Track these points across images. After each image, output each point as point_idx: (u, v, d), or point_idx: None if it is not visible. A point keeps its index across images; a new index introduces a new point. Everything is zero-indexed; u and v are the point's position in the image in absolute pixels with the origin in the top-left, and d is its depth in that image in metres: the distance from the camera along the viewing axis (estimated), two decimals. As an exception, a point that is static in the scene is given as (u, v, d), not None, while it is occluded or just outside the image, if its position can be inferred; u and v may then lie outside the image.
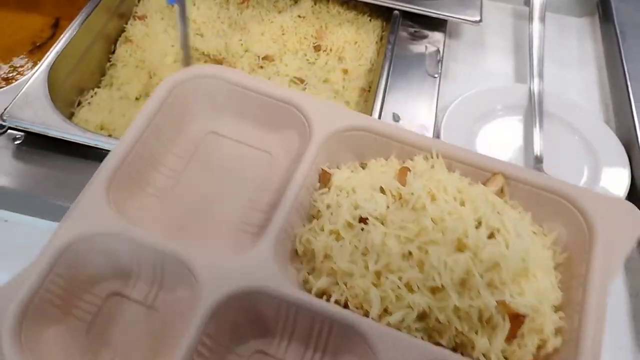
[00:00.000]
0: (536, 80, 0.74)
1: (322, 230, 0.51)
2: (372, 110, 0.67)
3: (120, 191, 0.52)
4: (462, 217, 0.48)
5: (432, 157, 0.54)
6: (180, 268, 0.47)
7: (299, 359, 0.47)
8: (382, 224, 0.49)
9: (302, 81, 0.74)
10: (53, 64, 0.63)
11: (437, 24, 0.78)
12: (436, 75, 0.72)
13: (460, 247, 0.48)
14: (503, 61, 0.82)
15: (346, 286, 0.48)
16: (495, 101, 0.73)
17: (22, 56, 0.69)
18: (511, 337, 0.47)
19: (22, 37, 0.71)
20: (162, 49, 0.72)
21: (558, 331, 0.48)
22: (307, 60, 0.77)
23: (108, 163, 0.51)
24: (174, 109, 0.56)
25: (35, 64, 0.61)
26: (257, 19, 0.78)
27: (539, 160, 0.67)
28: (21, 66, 0.65)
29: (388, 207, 0.50)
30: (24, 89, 0.60)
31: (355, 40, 0.79)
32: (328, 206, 0.52)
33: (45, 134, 0.59)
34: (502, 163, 0.54)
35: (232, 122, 0.59)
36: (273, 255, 0.48)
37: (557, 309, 0.49)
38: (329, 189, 0.53)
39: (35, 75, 0.62)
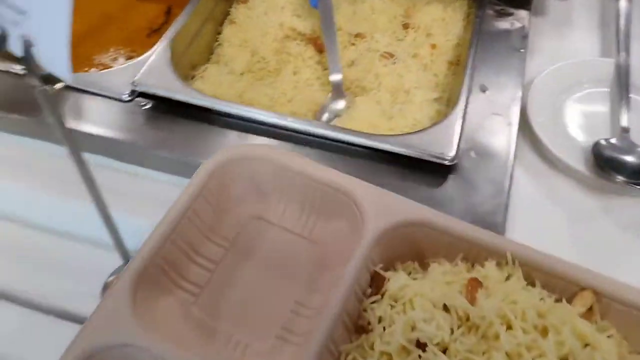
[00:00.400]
0: (622, 54, 0.74)
1: (372, 349, 0.44)
2: (462, 82, 0.67)
3: (150, 287, 0.46)
4: (544, 354, 0.39)
5: (507, 264, 0.46)
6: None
7: None
8: (444, 352, 0.41)
9: (391, 55, 0.76)
10: (172, 41, 0.71)
11: (523, 2, 0.80)
12: (522, 50, 0.74)
13: (542, 393, 0.39)
14: (588, 37, 0.82)
15: None
16: (581, 74, 0.74)
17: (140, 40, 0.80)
18: None
19: (140, 24, 0.81)
20: (262, 29, 0.79)
21: None
22: (397, 37, 0.79)
23: (137, 259, 0.46)
24: (215, 193, 0.51)
25: (151, 47, 0.71)
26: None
27: (625, 130, 0.66)
28: (141, 48, 0.75)
29: (452, 331, 0.42)
30: (149, 62, 0.68)
31: (442, 17, 0.81)
32: (380, 319, 0.45)
33: (171, 98, 0.65)
34: (593, 275, 0.45)
35: (279, 207, 0.52)
36: (315, 381, 0.41)
37: None
38: (382, 296, 0.46)
39: (157, 51, 0.70)
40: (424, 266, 0.49)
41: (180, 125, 0.65)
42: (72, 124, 0.64)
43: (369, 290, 0.47)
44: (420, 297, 0.44)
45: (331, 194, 0.50)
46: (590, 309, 0.45)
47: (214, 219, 0.51)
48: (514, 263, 0.46)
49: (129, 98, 0.67)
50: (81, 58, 0.75)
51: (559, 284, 0.45)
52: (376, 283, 0.47)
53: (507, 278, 0.45)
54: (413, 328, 0.43)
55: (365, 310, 0.46)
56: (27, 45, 0.36)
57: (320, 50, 0.77)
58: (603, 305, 0.45)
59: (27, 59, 0.37)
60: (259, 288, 0.49)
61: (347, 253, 0.48)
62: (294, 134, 0.63)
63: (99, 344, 0.42)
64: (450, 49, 0.78)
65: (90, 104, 0.67)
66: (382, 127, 0.67)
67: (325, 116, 0.71)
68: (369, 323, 0.46)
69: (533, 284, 0.46)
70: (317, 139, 0.63)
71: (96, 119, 0.65)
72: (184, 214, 0.48)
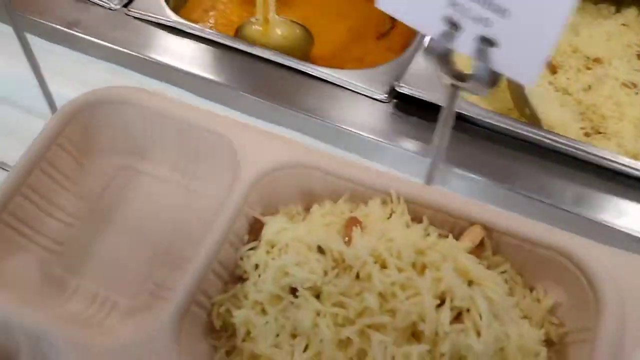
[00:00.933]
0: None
1: (247, 298, 0.40)
2: None
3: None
4: (419, 292, 0.36)
5: (392, 202, 0.43)
6: (54, 351, 0.37)
7: None
8: (317, 297, 0.38)
9: (634, 85, 0.70)
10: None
11: None
12: None
13: (416, 335, 0.36)
14: None
15: (270, 377, 0.38)
16: None
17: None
18: None
19: (369, 26, 0.80)
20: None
21: None
22: (632, 67, 0.74)
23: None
24: (76, 140, 0.46)
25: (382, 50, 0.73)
26: (586, 21, 0.78)
27: None
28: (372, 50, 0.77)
29: (326, 273, 0.39)
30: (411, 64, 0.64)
31: None
32: (256, 266, 0.41)
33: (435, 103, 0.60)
34: (482, 209, 0.42)
35: (151, 155, 0.48)
36: (175, 334, 0.37)
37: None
38: (260, 243, 0.42)
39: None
40: (309, 208, 0.45)
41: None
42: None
43: (247, 237, 0.43)
44: (296, 241, 0.41)
45: (207, 137, 0.46)
46: (481, 244, 0.42)
47: (76, 170, 0.46)
48: (398, 200, 0.42)
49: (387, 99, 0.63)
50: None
51: (447, 220, 0.42)
52: (254, 229, 0.43)
53: (390, 217, 0.42)
54: (286, 273, 0.39)
55: (241, 259, 0.42)
56: (486, 45, 0.34)
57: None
58: (495, 240, 0.42)
59: (478, 57, 0.35)
60: (129, 243, 0.45)
61: (220, 199, 0.44)
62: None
63: None
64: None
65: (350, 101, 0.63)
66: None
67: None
68: (245, 272, 0.42)
69: (420, 221, 0.42)
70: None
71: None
72: (35, 165, 0.43)
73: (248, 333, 0.39)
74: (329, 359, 0.36)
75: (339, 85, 0.64)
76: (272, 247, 0.42)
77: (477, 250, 0.41)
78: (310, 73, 0.64)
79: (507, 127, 0.59)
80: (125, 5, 0.69)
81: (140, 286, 0.43)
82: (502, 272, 0.42)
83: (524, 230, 0.41)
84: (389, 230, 0.40)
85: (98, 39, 0.66)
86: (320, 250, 0.40)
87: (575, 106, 0.68)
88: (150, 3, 0.69)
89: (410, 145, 0.60)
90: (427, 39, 0.65)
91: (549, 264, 0.41)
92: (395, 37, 0.80)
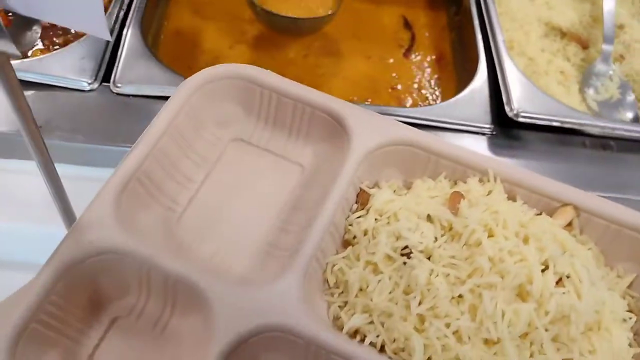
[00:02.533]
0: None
1: (358, 259, 0.45)
2: None
3: (132, 202, 0.46)
4: (525, 258, 0.41)
5: (489, 181, 0.47)
6: (194, 296, 0.41)
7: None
8: (429, 259, 0.42)
9: None
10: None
11: None
12: None
13: (522, 295, 0.40)
14: None
15: (383, 327, 0.42)
16: None
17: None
18: (576, 402, 0.39)
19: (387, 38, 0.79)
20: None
21: (636, 400, 0.40)
22: None
23: (121, 171, 0.45)
24: (197, 111, 0.50)
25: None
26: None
27: None
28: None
29: (436, 239, 0.43)
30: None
31: None
32: (365, 232, 0.46)
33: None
34: (573, 191, 0.46)
35: (263, 129, 0.52)
36: (301, 289, 0.41)
37: (635, 371, 0.41)
38: (367, 211, 0.47)
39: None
40: (408, 185, 0.50)
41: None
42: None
43: (355, 207, 0.48)
44: (404, 210, 0.45)
45: (319, 115, 0.50)
46: (570, 224, 0.46)
47: (195, 138, 0.50)
48: (495, 180, 0.47)
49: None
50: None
51: (540, 200, 0.47)
52: (362, 199, 0.48)
53: (489, 193, 0.46)
54: (398, 238, 0.43)
55: (351, 225, 0.47)
56: None
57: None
58: (582, 220, 0.46)
59: None
60: (242, 208, 0.49)
61: (332, 173, 0.48)
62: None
63: (84, 251, 0.42)
64: None
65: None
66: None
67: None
68: (354, 237, 0.46)
69: (514, 200, 0.47)
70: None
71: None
72: (165, 130, 0.47)
73: (361, 290, 0.43)
74: (442, 312, 0.40)
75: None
76: (381, 215, 0.46)
77: (567, 228, 0.46)
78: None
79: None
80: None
81: (254, 247, 0.47)
82: (588, 250, 0.46)
83: (612, 213, 0.46)
84: (492, 204, 0.44)
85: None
86: (429, 219, 0.44)
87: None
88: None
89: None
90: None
91: (631, 244, 0.45)
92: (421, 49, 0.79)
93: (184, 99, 0.49)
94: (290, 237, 0.47)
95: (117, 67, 0.64)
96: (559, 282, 0.41)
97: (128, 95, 0.64)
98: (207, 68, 0.51)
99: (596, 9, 0.78)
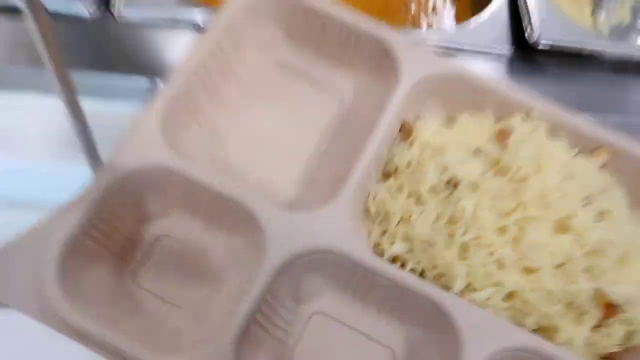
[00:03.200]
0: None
1: (401, 190, 0.45)
2: None
3: (177, 123, 0.45)
4: (568, 194, 0.42)
5: (533, 120, 0.47)
6: (243, 215, 0.42)
7: (364, 327, 0.43)
8: (475, 192, 0.43)
9: None
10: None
11: None
12: None
13: (563, 228, 0.42)
14: None
15: (424, 256, 0.43)
16: None
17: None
18: (599, 325, 0.42)
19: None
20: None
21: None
22: None
23: (166, 91, 0.44)
24: (240, 32, 0.49)
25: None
26: None
27: None
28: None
29: (484, 173, 0.44)
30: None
31: None
32: (409, 164, 0.46)
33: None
34: (612, 134, 0.47)
35: (305, 54, 0.51)
36: (347, 215, 0.42)
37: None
38: (412, 144, 0.47)
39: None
40: (451, 119, 0.50)
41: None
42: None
43: (399, 138, 0.48)
44: (451, 142, 0.45)
45: (365, 41, 0.49)
46: (604, 165, 0.47)
47: (237, 61, 0.49)
48: (540, 119, 0.47)
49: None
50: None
51: (579, 140, 0.48)
52: (405, 131, 0.48)
53: (532, 132, 0.47)
54: (445, 169, 0.44)
55: (395, 156, 0.47)
56: None
57: None
58: (617, 164, 0.48)
59: None
60: (284, 134, 0.49)
61: (377, 103, 0.48)
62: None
63: (132, 167, 0.42)
64: None
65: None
66: None
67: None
68: (397, 168, 0.47)
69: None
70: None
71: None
72: (209, 50, 0.46)
73: (402, 219, 0.44)
74: (487, 242, 0.42)
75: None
76: (427, 147, 0.46)
77: (602, 169, 0.47)
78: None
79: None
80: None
81: (296, 176, 0.47)
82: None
83: (645, 155, 0.47)
84: (538, 142, 0.45)
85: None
86: (477, 153, 0.45)
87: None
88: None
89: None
90: None
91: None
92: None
93: (227, 20, 0.47)
94: (334, 166, 0.47)
95: None
96: (599, 217, 0.42)
97: (134, 24, 0.60)
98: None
99: None
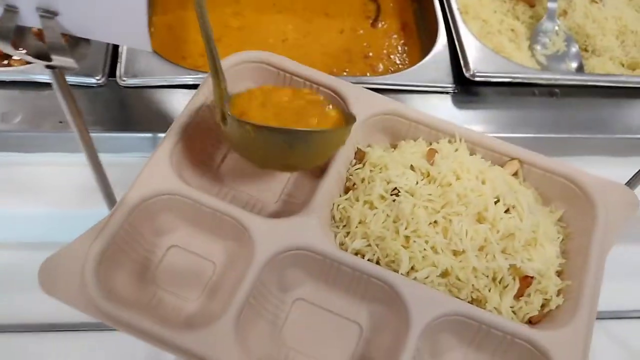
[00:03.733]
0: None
1: (357, 200, 0.58)
2: None
3: (181, 159, 0.59)
4: (483, 194, 0.55)
5: (455, 141, 0.62)
6: (235, 226, 0.54)
7: (336, 308, 0.55)
8: (412, 196, 0.56)
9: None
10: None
11: None
12: None
13: (480, 219, 0.55)
14: None
15: (378, 248, 0.56)
16: None
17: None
18: (519, 295, 0.54)
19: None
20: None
21: (560, 292, 0.55)
22: None
23: (171, 134, 0.58)
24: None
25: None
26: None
27: None
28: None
29: (417, 182, 0.57)
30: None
31: None
32: (363, 180, 0.59)
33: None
34: (518, 149, 0.61)
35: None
36: (318, 220, 0.55)
37: (559, 273, 0.57)
38: (364, 165, 0.61)
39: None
40: (394, 146, 0.64)
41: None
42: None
43: (354, 161, 0.61)
44: (393, 162, 0.59)
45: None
46: (516, 173, 0.61)
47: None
48: (460, 140, 0.61)
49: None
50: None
51: (494, 155, 0.62)
52: (359, 156, 0.61)
53: (456, 150, 0.61)
54: (388, 182, 0.57)
55: (351, 175, 0.60)
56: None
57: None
58: (525, 171, 0.62)
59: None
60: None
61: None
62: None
63: (149, 193, 0.54)
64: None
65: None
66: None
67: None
68: (354, 184, 0.60)
69: (474, 155, 0.62)
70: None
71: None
72: (203, 102, 0.60)
73: (360, 222, 0.57)
74: (423, 233, 0.54)
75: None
76: (375, 167, 0.60)
77: (514, 176, 0.61)
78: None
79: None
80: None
81: (278, 197, 0.60)
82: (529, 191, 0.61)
83: (546, 164, 0.61)
84: (458, 157, 0.59)
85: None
86: (412, 168, 0.58)
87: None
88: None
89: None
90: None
91: (560, 187, 0.61)
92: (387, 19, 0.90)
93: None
94: (303, 191, 0.60)
95: (121, 62, 0.74)
96: (507, 211, 0.56)
97: (134, 87, 0.74)
98: (234, 53, 0.64)
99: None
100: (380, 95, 0.64)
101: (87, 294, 0.49)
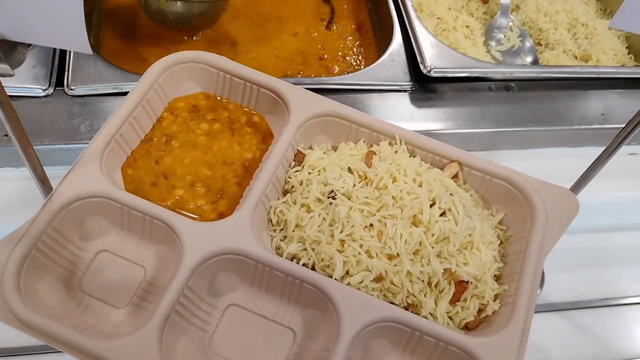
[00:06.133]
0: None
1: (295, 203, 0.57)
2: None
3: (112, 159, 0.57)
4: (418, 196, 0.54)
5: (396, 144, 0.61)
6: (166, 230, 0.53)
7: (269, 313, 0.53)
8: (349, 199, 0.55)
9: None
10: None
11: None
12: None
13: (416, 222, 0.54)
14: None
15: (314, 252, 0.54)
16: None
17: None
18: (455, 300, 0.53)
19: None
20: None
21: (497, 297, 0.55)
22: None
23: (103, 133, 0.56)
24: (165, 88, 0.61)
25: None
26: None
27: None
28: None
29: (354, 185, 0.56)
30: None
31: None
32: (301, 182, 0.58)
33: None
34: (458, 151, 0.61)
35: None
36: (250, 222, 0.54)
37: (497, 278, 0.56)
38: (303, 167, 0.59)
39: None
40: (335, 148, 0.63)
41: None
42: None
43: (293, 164, 0.60)
44: (331, 164, 0.58)
45: (264, 92, 0.63)
46: (456, 175, 0.61)
47: (162, 109, 0.62)
48: (400, 142, 0.61)
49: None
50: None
51: (434, 158, 0.61)
52: (298, 158, 0.60)
53: (395, 152, 0.60)
54: (325, 184, 0.56)
55: (290, 178, 0.59)
56: None
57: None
58: (465, 174, 0.61)
59: None
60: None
61: (276, 139, 0.61)
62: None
63: (75, 195, 0.53)
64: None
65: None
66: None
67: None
68: (292, 187, 0.59)
69: (415, 157, 0.61)
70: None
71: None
72: (138, 102, 0.58)
73: (297, 225, 0.56)
74: (358, 237, 0.53)
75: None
76: (313, 169, 0.59)
77: (454, 179, 0.60)
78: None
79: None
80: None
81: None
82: (470, 196, 0.61)
83: (485, 167, 0.60)
84: (397, 159, 0.58)
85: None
86: (349, 170, 0.57)
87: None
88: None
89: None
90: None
91: (500, 190, 0.60)
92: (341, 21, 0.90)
93: (154, 77, 0.60)
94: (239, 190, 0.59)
95: (68, 71, 0.72)
96: (442, 214, 0.55)
97: (82, 96, 0.72)
98: (175, 53, 0.62)
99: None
100: (320, 96, 0.63)
101: (6, 303, 0.47)
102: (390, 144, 0.61)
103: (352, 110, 0.62)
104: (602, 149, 0.57)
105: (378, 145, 0.61)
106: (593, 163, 0.59)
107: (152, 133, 0.61)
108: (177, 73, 0.63)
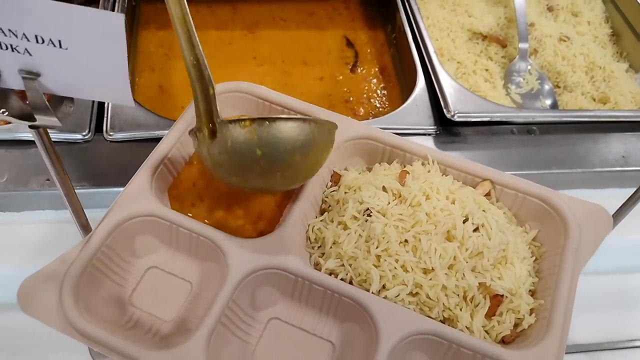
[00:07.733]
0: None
1: (332, 221, 0.60)
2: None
3: (161, 181, 0.61)
4: (451, 213, 0.56)
5: (428, 164, 0.63)
6: (211, 247, 0.56)
7: (309, 327, 0.55)
8: (384, 216, 0.58)
9: (568, 38, 0.92)
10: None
11: None
12: None
13: (449, 238, 0.56)
14: None
15: (351, 267, 0.57)
16: None
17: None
18: (491, 314, 0.54)
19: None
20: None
21: (533, 311, 0.55)
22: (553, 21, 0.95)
23: (153, 157, 0.60)
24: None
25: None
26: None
27: None
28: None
29: (389, 203, 0.58)
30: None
31: None
32: (337, 201, 0.61)
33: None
34: (489, 170, 0.63)
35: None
36: (290, 240, 0.56)
37: (533, 293, 0.57)
38: (339, 187, 0.62)
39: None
40: (370, 169, 0.65)
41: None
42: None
43: (330, 184, 0.63)
44: (366, 184, 0.61)
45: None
46: (488, 193, 0.62)
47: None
48: (432, 162, 0.63)
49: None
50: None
51: (466, 177, 0.63)
52: (334, 179, 0.63)
53: (428, 172, 0.62)
54: (361, 202, 0.59)
55: (327, 197, 0.62)
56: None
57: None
58: (498, 192, 0.63)
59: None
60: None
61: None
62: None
63: (128, 214, 0.56)
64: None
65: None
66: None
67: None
68: (329, 206, 0.62)
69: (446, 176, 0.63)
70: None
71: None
72: (185, 128, 0.62)
73: (334, 242, 0.58)
74: (393, 252, 0.55)
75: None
76: (349, 189, 0.61)
77: (486, 197, 0.62)
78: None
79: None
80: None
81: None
82: (503, 213, 0.62)
83: (518, 185, 0.62)
84: (430, 178, 0.60)
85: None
86: (384, 189, 0.60)
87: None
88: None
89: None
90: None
91: (533, 207, 0.62)
92: (365, 64, 0.93)
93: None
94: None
95: (107, 117, 0.74)
96: (475, 229, 0.56)
97: (121, 142, 0.74)
98: (219, 83, 0.67)
99: (509, 11, 0.95)
100: (355, 120, 0.66)
101: (64, 315, 0.51)
102: (422, 164, 0.63)
103: (385, 133, 0.65)
104: (624, 190, 0.59)
105: (411, 165, 0.63)
106: (620, 207, 0.60)
107: (195, 156, 0.65)
108: (222, 101, 0.67)
